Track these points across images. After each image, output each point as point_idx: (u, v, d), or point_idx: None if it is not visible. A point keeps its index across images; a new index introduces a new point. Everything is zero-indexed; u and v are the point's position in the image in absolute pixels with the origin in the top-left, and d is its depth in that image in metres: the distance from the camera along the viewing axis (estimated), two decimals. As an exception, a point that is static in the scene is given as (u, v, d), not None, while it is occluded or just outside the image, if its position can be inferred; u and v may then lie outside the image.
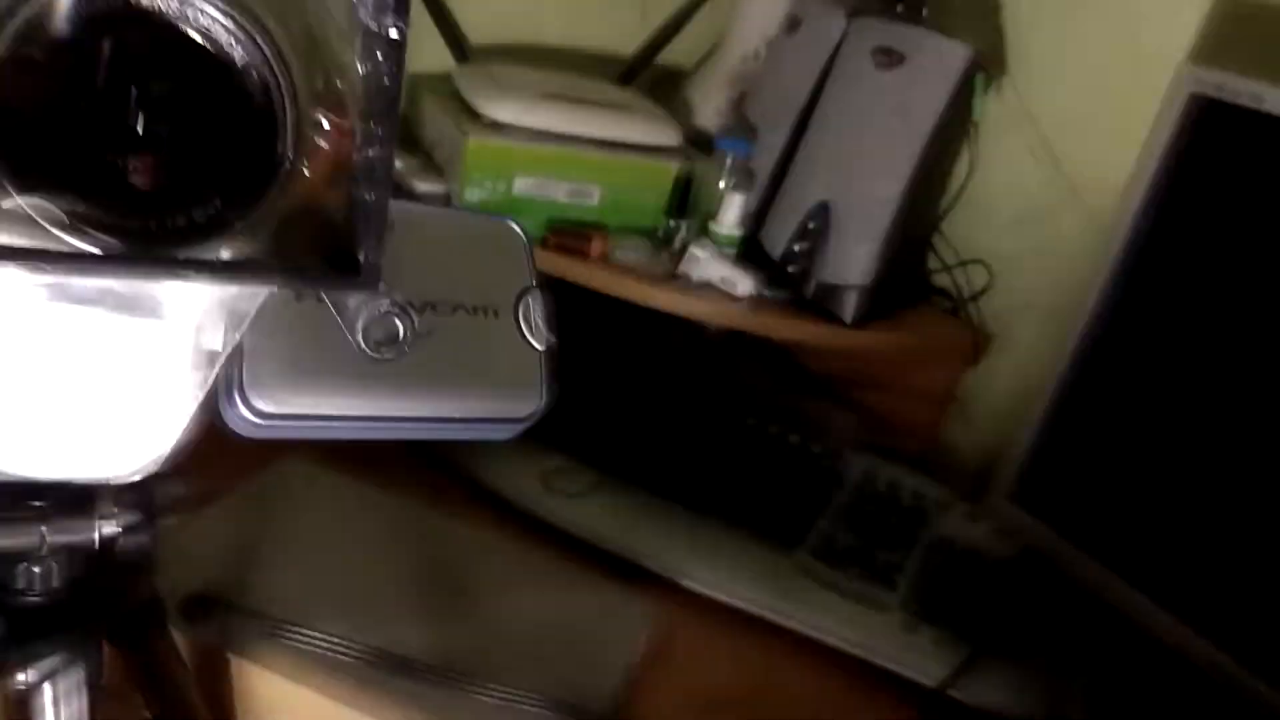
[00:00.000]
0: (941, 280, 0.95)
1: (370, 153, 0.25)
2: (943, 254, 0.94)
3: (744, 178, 0.85)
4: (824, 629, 0.70)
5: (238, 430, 0.31)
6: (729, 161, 0.86)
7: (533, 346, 0.35)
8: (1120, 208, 0.74)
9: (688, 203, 0.87)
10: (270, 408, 0.30)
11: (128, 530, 0.33)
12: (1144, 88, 0.75)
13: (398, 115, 0.25)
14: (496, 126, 0.81)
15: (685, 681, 0.65)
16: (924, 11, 0.83)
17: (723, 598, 0.72)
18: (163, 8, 0.24)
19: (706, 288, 0.83)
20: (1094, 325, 0.76)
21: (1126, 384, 0.74)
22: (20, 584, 0.34)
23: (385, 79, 0.25)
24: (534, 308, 0.35)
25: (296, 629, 0.48)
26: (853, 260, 0.82)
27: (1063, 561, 0.76)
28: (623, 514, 0.76)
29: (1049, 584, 0.79)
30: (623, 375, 0.91)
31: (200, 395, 0.29)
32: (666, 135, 0.88)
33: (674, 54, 1.06)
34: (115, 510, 0.33)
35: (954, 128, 0.83)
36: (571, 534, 0.73)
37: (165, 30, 0.24)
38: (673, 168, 0.87)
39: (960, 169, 0.89)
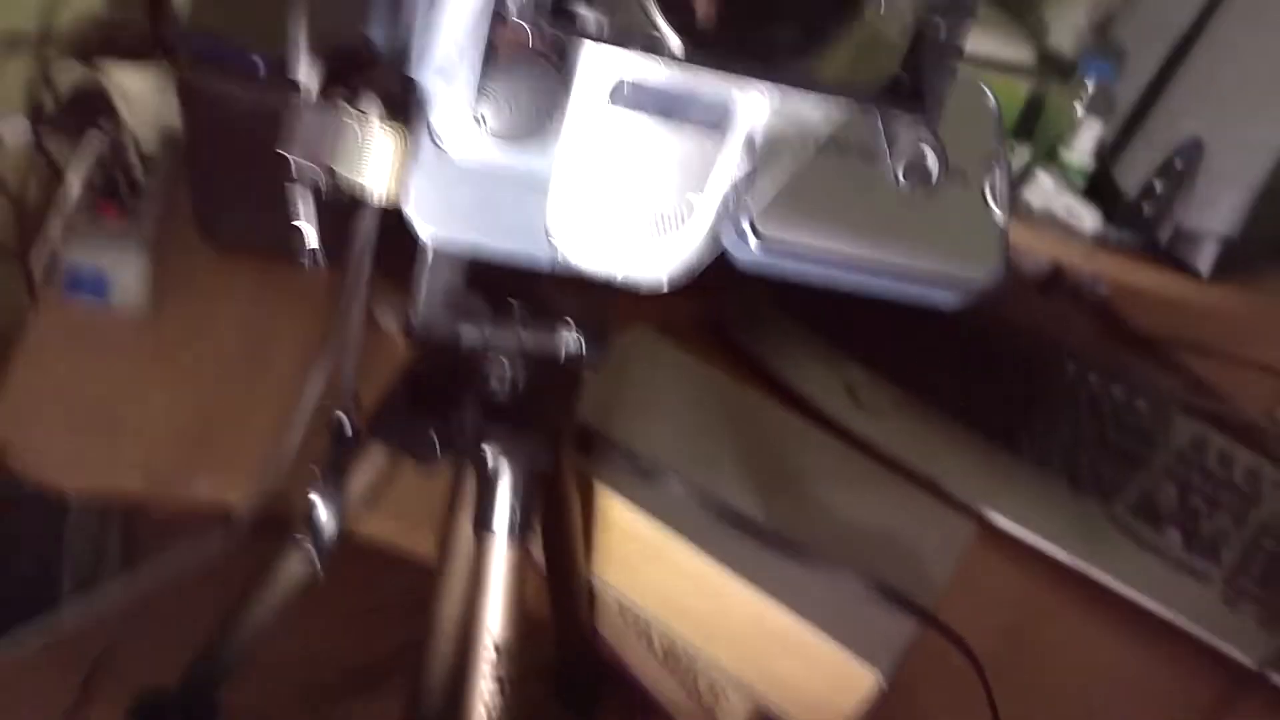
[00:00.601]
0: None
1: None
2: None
3: (1103, 103, 0.79)
4: (1136, 587, 0.67)
5: (735, 256, 0.32)
6: (1089, 85, 0.79)
7: (996, 217, 0.34)
8: None
9: (1035, 126, 0.82)
10: (775, 234, 0.31)
11: (587, 346, 0.35)
12: None
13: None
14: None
15: (981, 610, 0.63)
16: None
17: (1027, 537, 0.69)
18: None
19: (1046, 219, 0.78)
20: None
21: None
22: (492, 379, 0.37)
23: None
24: (1000, 177, 0.34)
25: (660, 471, 0.51)
26: (1220, 207, 0.75)
27: None
28: (927, 437, 0.74)
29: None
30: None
31: (723, 213, 0.30)
32: (1019, 51, 0.83)
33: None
34: (581, 324, 0.35)
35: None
36: (874, 450, 0.72)
37: None
38: (1023, 86, 0.82)
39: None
